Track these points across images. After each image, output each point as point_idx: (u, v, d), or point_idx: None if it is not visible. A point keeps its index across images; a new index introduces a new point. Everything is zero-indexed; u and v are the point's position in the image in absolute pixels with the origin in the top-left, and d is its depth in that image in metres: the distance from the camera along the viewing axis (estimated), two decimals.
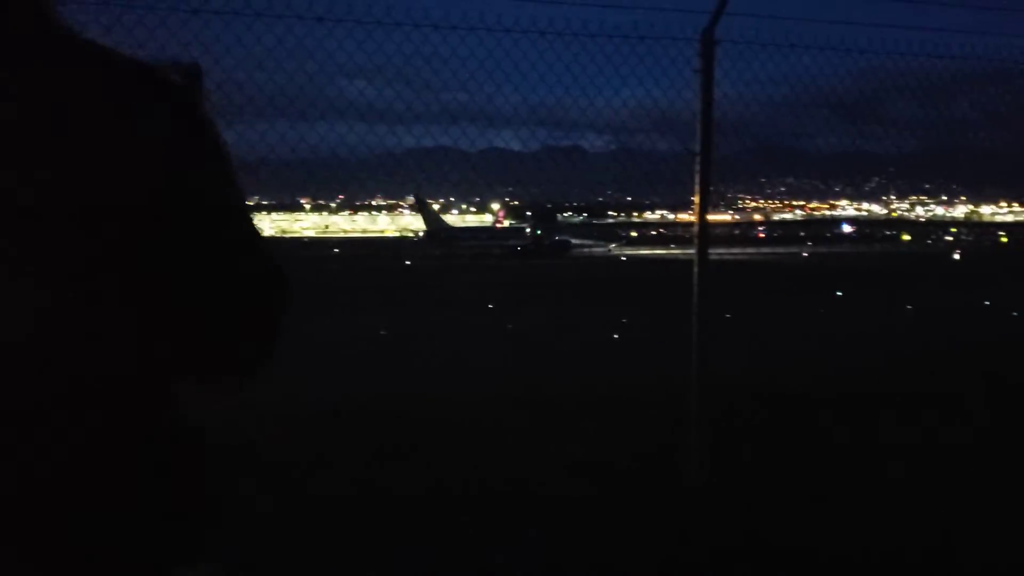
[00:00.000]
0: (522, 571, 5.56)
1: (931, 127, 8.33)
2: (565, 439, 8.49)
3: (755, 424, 8.68)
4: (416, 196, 57.33)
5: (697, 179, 6.52)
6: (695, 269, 6.66)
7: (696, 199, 6.55)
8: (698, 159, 6.49)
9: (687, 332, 6.86)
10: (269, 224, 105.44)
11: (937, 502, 6.33)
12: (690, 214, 6.80)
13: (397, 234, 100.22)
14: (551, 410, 9.62)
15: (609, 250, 63.19)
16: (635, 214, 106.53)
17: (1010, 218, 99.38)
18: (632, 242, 74.39)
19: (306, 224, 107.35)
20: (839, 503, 6.37)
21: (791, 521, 6.15)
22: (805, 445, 8.28)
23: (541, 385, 10.66)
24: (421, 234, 65.23)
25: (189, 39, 5.81)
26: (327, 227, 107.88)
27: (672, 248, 65.98)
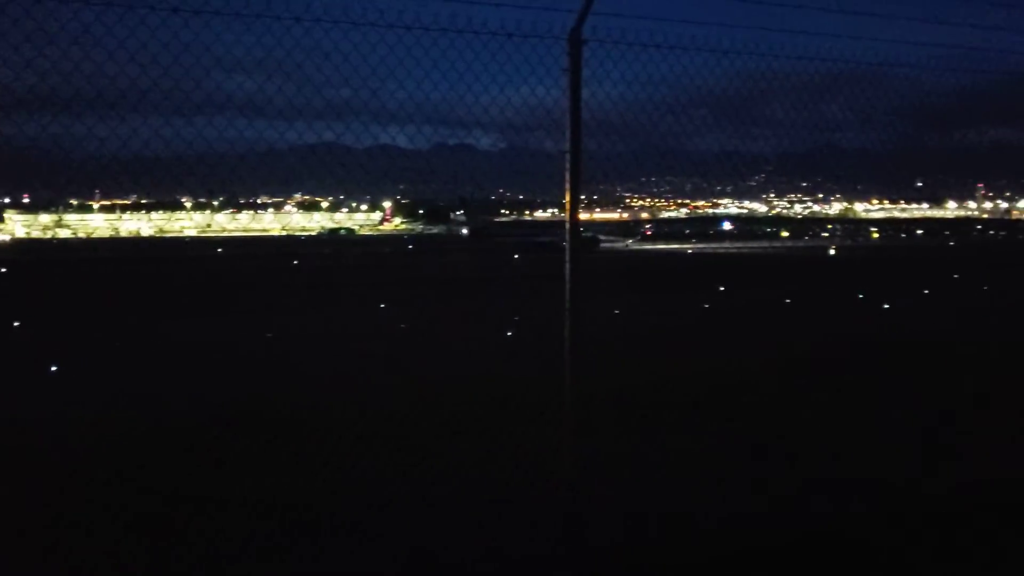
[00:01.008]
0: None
1: (806, 127, 8.63)
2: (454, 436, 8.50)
3: (626, 419, 8.88)
4: (461, 198, 60.50)
5: (567, 177, 6.57)
6: (567, 267, 6.71)
7: (567, 198, 6.60)
8: (568, 157, 6.55)
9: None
10: (148, 224, 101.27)
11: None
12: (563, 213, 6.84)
13: (284, 232, 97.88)
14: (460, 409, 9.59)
15: (627, 245, 68.84)
16: (527, 212, 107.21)
17: (881, 214, 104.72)
18: (647, 238, 79.73)
19: (188, 223, 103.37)
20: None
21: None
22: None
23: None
24: (466, 231, 73.82)
25: (56, 30, 5.49)
26: (209, 226, 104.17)
27: (690, 244, 68.70)
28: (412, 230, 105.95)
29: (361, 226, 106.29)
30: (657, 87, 7.16)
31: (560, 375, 6.77)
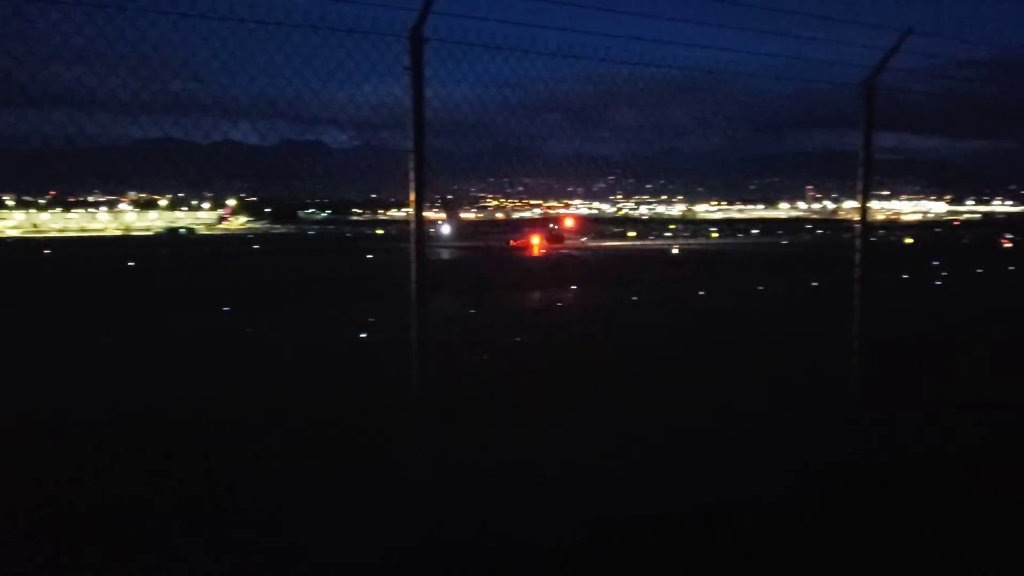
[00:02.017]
0: None
1: (651, 131, 8.92)
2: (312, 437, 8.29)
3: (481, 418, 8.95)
4: (443, 200, 58.03)
5: (412, 176, 6.56)
6: (412, 267, 6.69)
7: (412, 196, 6.59)
8: (412, 156, 6.54)
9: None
10: None
11: None
12: (420, 212, 6.81)
13: (120, 232, 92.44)
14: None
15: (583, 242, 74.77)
16: (380, 211, 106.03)
17: (719, 215, 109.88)
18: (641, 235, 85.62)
19: (10, 223, 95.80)
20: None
21: None
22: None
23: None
24: (446, 231, 75.29)
25: None
26: (36, 226, 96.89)
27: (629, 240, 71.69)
28: (257, 229, 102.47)
29: (206, 225, 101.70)
30: (501, 88, 7.22)
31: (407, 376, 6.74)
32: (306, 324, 19.19)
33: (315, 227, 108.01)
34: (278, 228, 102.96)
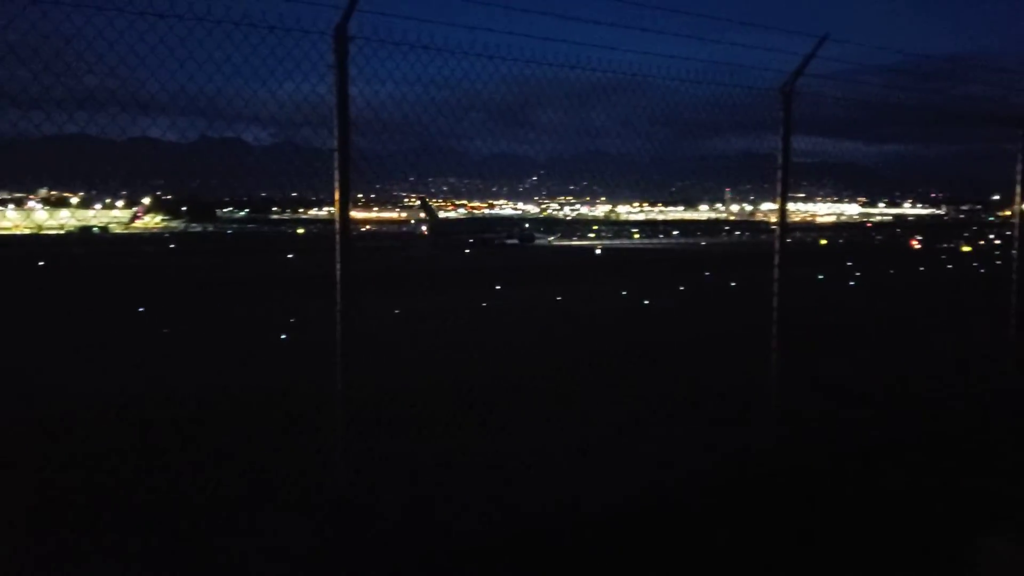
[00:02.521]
0: None
1: (574, 133, 8.97)
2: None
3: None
4: (422, 200, 63.62)
5: (337, 176, 6.49)
6: (337, 267, 6.60)
7: (336, 195, 6.51)
8: (337, 155, 6.46)
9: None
10: None
11: None
12: (343, 211, 6.71)
13: (31, 231, 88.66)
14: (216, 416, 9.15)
15: (549, 241, 76.92)
16: (301, 210, 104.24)
17: (641, 217, 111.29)
18: (566, 235, 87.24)
19: None
20: None
21: None
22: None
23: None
24: (426, 229, 76.83)
25: None
26: None
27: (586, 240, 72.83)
28: (174, 228, 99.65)
29: (122, 224, 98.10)
30: (427, 87, 7.17)
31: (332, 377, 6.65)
32: (224, 325, 18.76)
33: (234, 226, 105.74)
34: (196, 227, 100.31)
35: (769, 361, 9.87)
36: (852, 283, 32.28)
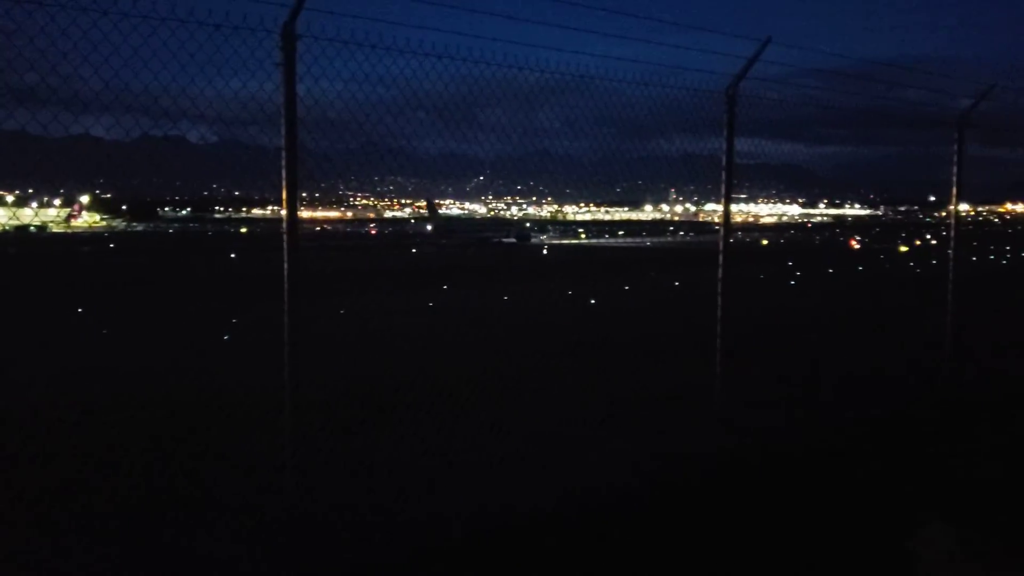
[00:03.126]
0: None
1: (521, 133, 9.01)
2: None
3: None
4: (428, 200, 69.20)
5: (284, 175, 6.45)
6: (285, 266, 6.56)
7: (283, 194, 6.46)
8: (284, 154, 6.42)
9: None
10: None
11: None
12: (301, 210, 6.66)
13: None
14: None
15: (542, 240, 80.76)
16: (245, 209, 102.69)
17: (588, 217, 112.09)
18: (563, 234, 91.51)
19: None
20: None
21: None
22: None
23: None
24: (430, 227, 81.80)
25: None
26: None
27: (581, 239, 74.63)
28: (115, 227, 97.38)
29: (61, 224, 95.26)
30: (375, 87, 7.15)
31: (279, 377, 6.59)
32: (166, 325, 18.43)
33: (176, 225, 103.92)
34: (137, 226, 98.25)
35: (713, 360, 10.03)
36: (793, 282, 32.90)
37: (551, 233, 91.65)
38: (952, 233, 13.21)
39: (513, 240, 77.33)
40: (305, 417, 6.89)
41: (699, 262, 11.36)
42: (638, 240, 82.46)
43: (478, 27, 7.52)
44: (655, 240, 79.76)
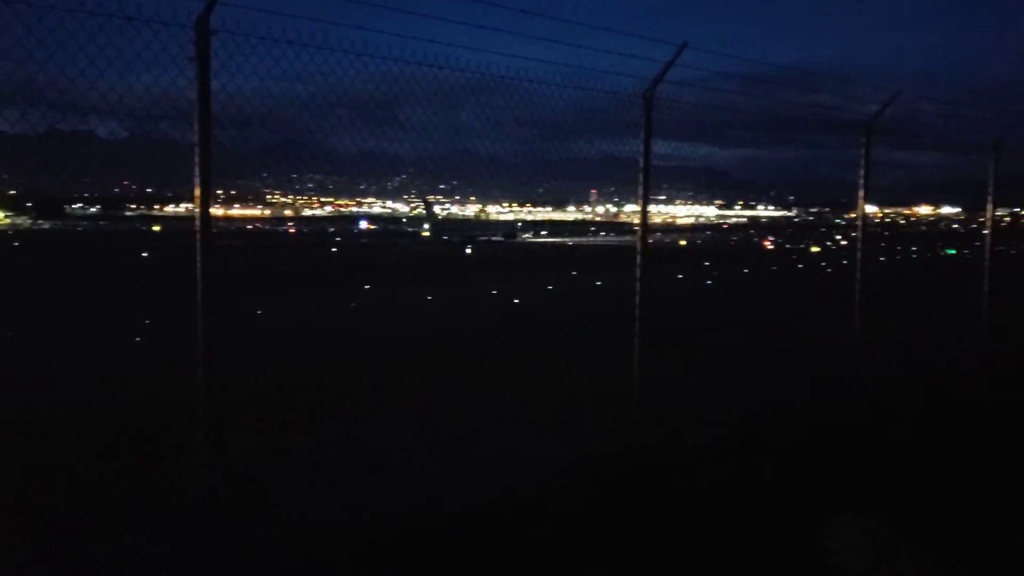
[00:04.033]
0: None
1: (443, 132, 9.00)
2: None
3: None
4: (424, 199, 67.63)
5: (197, 171, 6.32)
6: (198, 266, 6.44)
7: (196, 191, 6.34)
8: (197, 150, 6.30)
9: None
10: None
11: None
12: (215, 206, 6.53)
13: None
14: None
15: (522, 239, 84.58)
16: (157, 206, 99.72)
17: (511, 216, 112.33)
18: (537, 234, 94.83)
19: None
20: None
21: None
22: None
23: None
24: (428, 226, 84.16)
25: None
26: None
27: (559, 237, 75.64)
28: (19, 224, 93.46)
29: None
30: (292, 83, 7.05)
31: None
32: (78, 327, 17.81)
33: (85, 223, 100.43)
34: (44, 224, 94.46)
35: (632, 358, 10.18)
36: (709, 282, 33.61)
37: (532, 231, 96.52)
38: (860, 234, 13.68)
39: (500, 238, 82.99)
40: (222, 414, 6.76)
41: (619, 262, 11.52)
42: (561, 240, 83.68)
43: (398, 25, 7.49)
44: (576, 240, 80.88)
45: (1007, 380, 13.18)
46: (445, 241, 73.88)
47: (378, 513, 6.99)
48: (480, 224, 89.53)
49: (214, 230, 6.57)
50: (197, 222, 6.40)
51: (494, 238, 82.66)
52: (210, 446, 6.58)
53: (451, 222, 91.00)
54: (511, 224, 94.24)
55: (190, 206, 6.50)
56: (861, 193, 13.48)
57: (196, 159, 6.34)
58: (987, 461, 9.20)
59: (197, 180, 6.36)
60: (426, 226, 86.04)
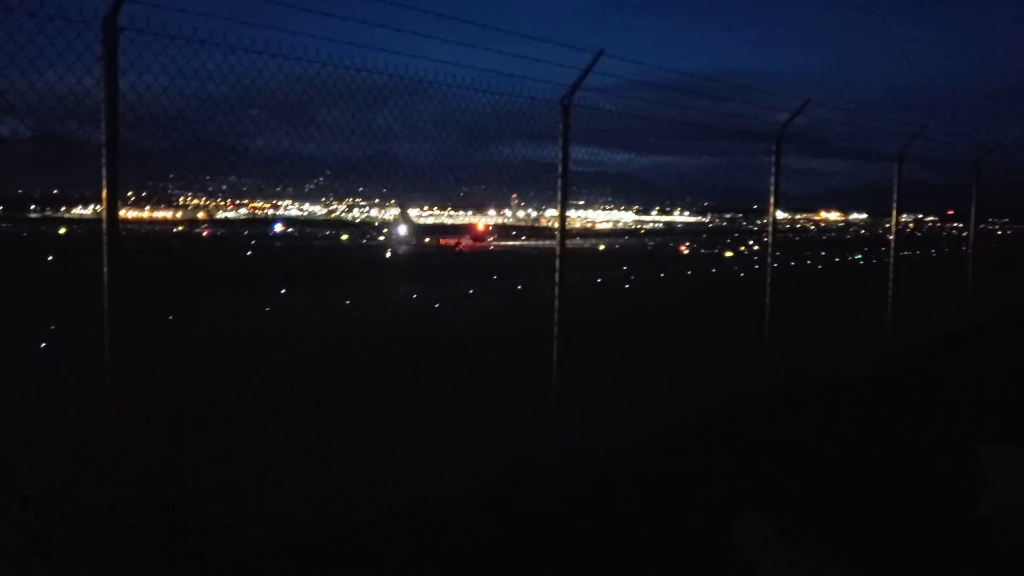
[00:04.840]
0: None
1: (362, 135, 8.93)
2: None
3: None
4: (400, 205, 59.74)
5: (104, 172, 6.16)
6: (105, 269, 6.28)
7: (104, 193, 6.17)
8: (105, 151, 6.14)
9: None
10: None
11: None
12: (131, 209, 6.35)
13: None
14: None
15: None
16: (63, 208, 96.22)
17: (432, 220, 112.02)
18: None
19: None
20: None
21: None
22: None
23: None
24: (405, 231, 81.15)
25: None
26: None
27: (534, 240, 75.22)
28: None
29: None
30: (204, 83, 6.90)
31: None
32: None
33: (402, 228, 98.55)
34: None
35: (551, 361, 10.26)
36: (627, 286, 34.09)
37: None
38: (771, 240, 14.08)
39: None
40: (127, 419, 6.58)
41: (540, 266, 11.61)
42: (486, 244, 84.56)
43: (313, 26, 7.42)
44: (498, 244, 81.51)
45: (899, 383, 13.80)
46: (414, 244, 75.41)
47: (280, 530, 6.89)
48: (452, 228, 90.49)
49: (124, 232, 6.40)
50: (104, 224, 6.22)
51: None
52: (114, 457, 6.40)
53: (429, 228, 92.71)
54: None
55: (99, 208, 6.31)
56: (772, 200, 13.88)
57: (103, 160, 6.16)
58: (868, 456, 9.64)
59: (104, 182, 6.17)
60: (402, 230, 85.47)
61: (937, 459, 9.71)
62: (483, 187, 12.51)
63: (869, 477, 9.08)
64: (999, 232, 41.32)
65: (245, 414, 9.34)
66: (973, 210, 21.08)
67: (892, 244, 17.80)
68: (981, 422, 11.31)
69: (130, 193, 10.02)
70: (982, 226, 26.47)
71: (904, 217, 22.99)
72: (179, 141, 7.14)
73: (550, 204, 10.76)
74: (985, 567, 7.11)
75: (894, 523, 7.85)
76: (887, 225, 18.47)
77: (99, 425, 6.50)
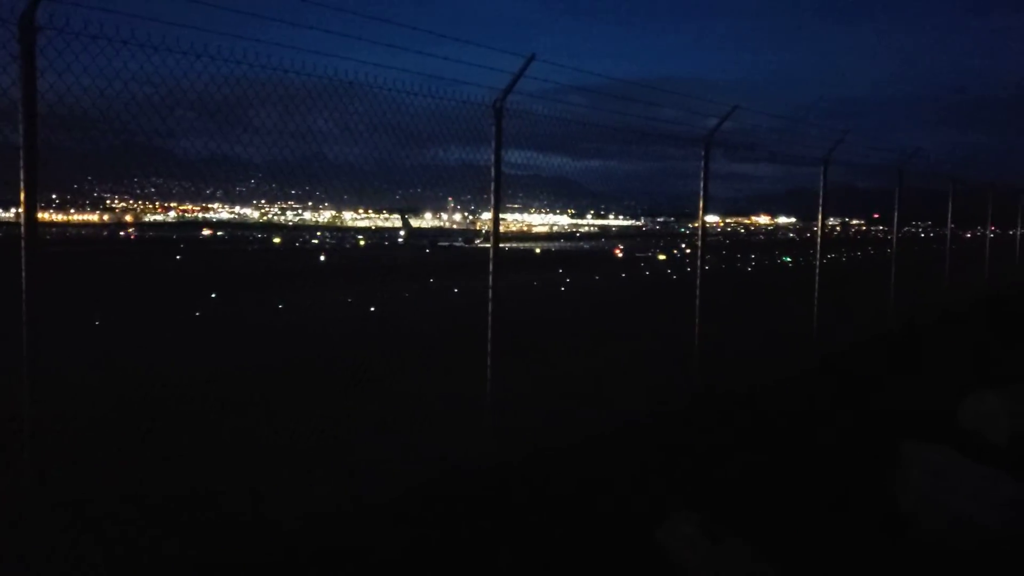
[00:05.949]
0: None
1: (294, 137, 8.83)
2: None
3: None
4: (400, 211, 66.47)
5: (22, 175, 6.00)
6: (23, 275, 6.12)
7: (22, 196, 6.00)
8: (23, 154, 5.98)
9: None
10: None
11: None
12: (51, 213, 6.18)
13: None
14: None
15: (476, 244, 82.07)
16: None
17: (365, 223, 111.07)
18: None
19: None
20: None
21: None
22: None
23: None
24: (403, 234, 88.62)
25: None
26: None
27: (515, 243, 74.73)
28: None
29: None
30: (128, 84, 6.74)
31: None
32: None
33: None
34: None
35: (484, 365, 10.27)
36: (563, 288, 34.32)
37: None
38: (700, 242, 14.32)
39: (461, 243, 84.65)
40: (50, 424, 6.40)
41: (475, 269, 11.61)
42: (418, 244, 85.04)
43: (240, 27, 7.31)
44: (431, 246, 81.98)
45: (822, 384, 14.18)
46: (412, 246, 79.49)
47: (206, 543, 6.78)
48: (444, 232, 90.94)
49: (48, 236, 6.23)
50: (23, 228, 6.04)
51: (456, 243, 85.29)
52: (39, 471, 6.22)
53: (423, 231, 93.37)
54: (475, 231, 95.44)
55: (20, 211, 6.12)
56: (702, 204, 14.12)
57: (21, 163, 5.98)
58: (790, 458, 9.87)
59: (22, 184, 5.99)
60: (402, 233, 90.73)
61: (860, 458, 9.99)
62: (418, 190, 12.47)
63: (791, 479, 9.29)
64: (922, 235, 42.64)
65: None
66: (896, 214, 21.76)
67: (818, 247, 18.25)
68: (901, 420, 11.67)
69: (55, 196, 9.75)
70: (906, 229, 27.33)
71: (831, 220, 23.63)
72: (102, 143, 6.97)
73: (486, 207, 10.79)
74: (912, 562, 7.34)
75: (821, 523, 8.04)
76: (814, 228, 18.93)
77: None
